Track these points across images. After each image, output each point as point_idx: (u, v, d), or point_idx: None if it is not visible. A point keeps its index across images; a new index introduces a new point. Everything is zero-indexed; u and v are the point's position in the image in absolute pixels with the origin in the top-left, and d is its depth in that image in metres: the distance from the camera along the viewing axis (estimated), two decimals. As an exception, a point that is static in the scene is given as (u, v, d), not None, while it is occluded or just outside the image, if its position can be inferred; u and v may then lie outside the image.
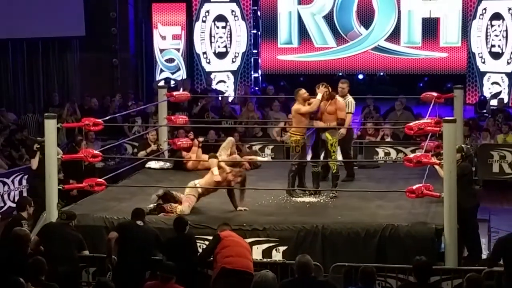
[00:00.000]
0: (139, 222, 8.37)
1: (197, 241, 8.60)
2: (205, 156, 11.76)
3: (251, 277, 7.31)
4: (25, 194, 12.28)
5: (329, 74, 20.08)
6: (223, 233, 8.15)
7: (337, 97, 10.66)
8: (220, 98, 17.75)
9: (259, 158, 12.47)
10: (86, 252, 8.37)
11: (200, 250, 8.48)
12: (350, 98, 11.32)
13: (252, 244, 8.73)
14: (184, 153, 12.22)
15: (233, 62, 20.21)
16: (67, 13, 17.82)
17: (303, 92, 10.46)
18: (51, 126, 9.40)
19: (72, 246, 8.21)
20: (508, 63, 18.84)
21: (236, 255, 7.88)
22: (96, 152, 9.86)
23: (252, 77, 20.47)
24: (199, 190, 9.61)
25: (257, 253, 8.81)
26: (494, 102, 18.12)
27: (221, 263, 7.86)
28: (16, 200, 11.84)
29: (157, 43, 19.90)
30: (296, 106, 10.43)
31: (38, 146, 10.58)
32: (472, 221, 9.72)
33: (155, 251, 8.31)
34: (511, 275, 7.53)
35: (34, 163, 10.79)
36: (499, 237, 8.39)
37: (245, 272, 7.74)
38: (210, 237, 8.51)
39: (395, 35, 19.96)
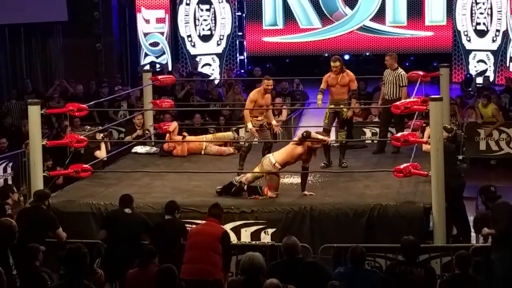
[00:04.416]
0: (127, 210, 8.27)
1: (185, 224, 8.57)
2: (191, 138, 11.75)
3: (208, 282, 7.19)
4: (10, 181, 12.14)
5: (315, 55, 20.03)
6: (190, 231, 7.86)
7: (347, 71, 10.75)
8: (206, 81, 17.64)
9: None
10: (60, 230, 8.19)
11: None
12: (401, 71, 11.41)
13: (240, 226, 8.73)
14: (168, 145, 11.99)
15: (218, 45, 20.07)
16: (49, -2, 17.65)
17: (270, 82, 10.37)
18: (34, 112, 9.31)
19: (44, 229, 8.08)
20: (494, 41, 18.81)
21: (191, 261, 7.50)
22: (81, 137, 9.79)
23: (238, 60, 20.34)
24: (278, 167, 9.32)
25: (245, 235, 8.79)
26: (480, 80, 18.12)
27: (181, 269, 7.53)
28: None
29: (141, 27, 19.72)
30: (253, 97, 10.28)
31: (103, 137, 11.08)
32: (459, 199, 9.72)
33: (145, 238, 8.22)
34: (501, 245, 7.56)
35: (103, 153, 10.84)
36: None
37: (198, 281, 7.38)
38: (197, 221, 8.48)
39: (380, 15, 19.90)
